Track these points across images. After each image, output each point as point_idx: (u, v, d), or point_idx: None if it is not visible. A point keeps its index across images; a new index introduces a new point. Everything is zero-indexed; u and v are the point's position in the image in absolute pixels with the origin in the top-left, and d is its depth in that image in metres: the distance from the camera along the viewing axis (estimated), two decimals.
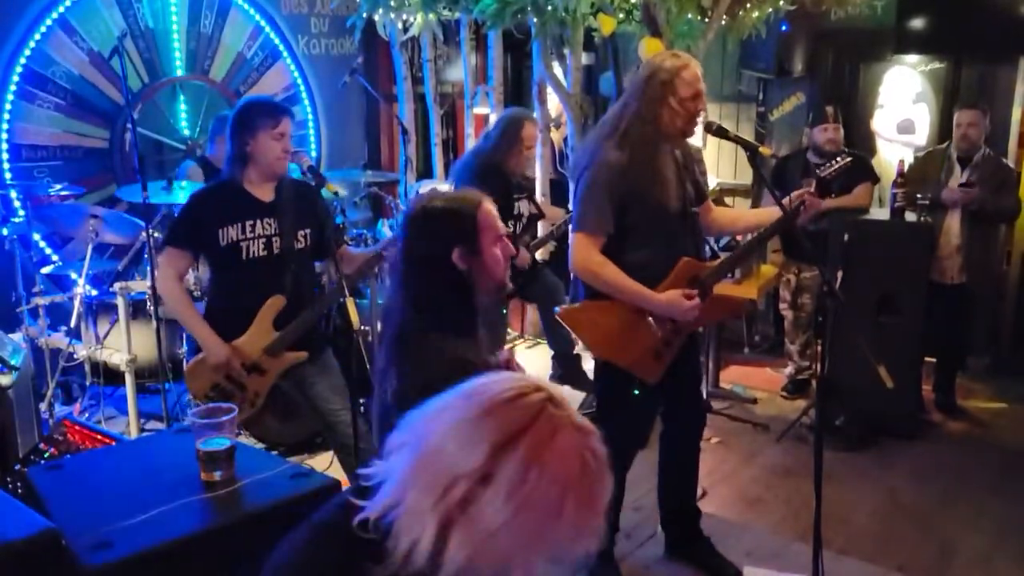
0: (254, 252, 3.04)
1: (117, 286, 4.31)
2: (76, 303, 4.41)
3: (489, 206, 1.97)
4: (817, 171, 3.13)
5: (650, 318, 2.89)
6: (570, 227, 3.06)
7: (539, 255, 4.84)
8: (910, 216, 4.45)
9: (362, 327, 3.20)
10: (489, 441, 1.06)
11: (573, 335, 5.66)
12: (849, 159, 3.10)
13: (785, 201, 2.92)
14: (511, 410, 1.09)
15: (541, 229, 5.01)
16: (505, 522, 1.04)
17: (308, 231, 3.14)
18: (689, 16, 4.98)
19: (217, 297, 3.25)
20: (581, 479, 1.07)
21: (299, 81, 6.39)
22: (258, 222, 3.04)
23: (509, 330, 5.27)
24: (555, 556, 1.08)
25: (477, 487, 1.05)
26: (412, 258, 1.93)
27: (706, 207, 3.14)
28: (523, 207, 4.59)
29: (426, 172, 6.83)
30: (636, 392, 2.95)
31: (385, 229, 5.66)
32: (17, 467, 3.02)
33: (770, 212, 3.15)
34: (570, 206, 5.35)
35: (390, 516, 1.08)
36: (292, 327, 3.06)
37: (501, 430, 1.06)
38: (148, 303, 4.31)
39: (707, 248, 3.29)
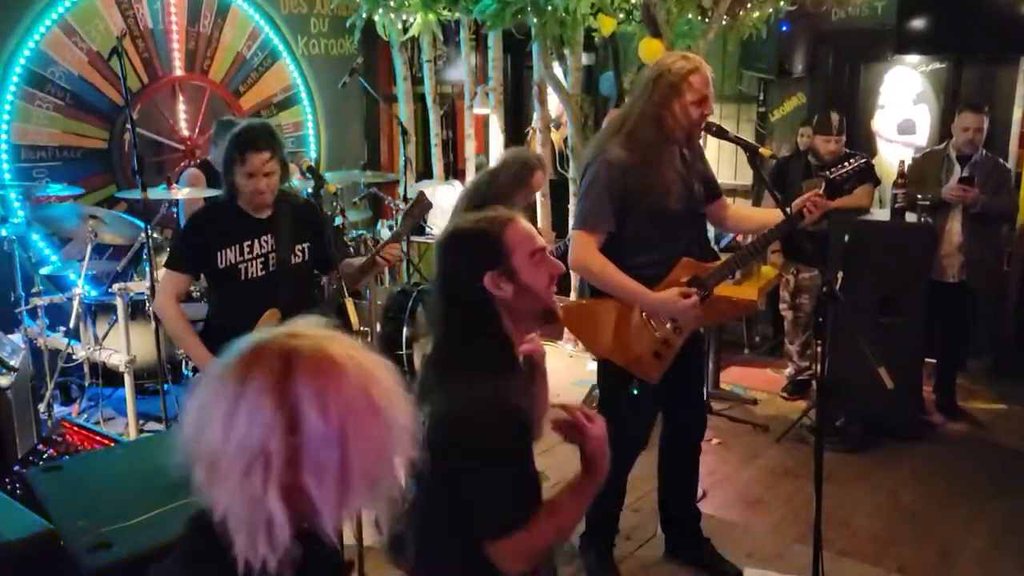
0: (252, 273, 3.04)
1: (116, 287, 4.30)
2: (75, 304, 4.40)
3: (522, 222, 1.82)
4: (828, 172, 3.12)
5: (648, 317, 2.89)
6: (571, 224, 3.06)
7: None
8: (911, 217, 4.44)
9: (361, 328, 3.18)
10: (269, 398, 1.08)
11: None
12: (863, 160, 3.09)
13: (796, 203, 2.91)
14: (262, 363, 1.11)
15: None
16: (340, 440, 1.07)
17: (307, 245, 3.13)
18: (689, 16, 4.98)
19: (215, 313, 3.24)
20: (364, 369, 1.13)
21: (299, 81, 6.38)
22: (255, 241, 3.04)
23: None
24: (400, 446, 1.15)
25: (291, 437, 1.07)
26: (444, 287, 1.80)
27: (720, 203, 3.13)
28: None
29: (426, 173, 6.82)
30: (635, 391, 2.94)
31: (384, 230, 5.66)
32: (16, 468, 3.02)
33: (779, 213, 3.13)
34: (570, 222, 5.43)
35: (231, 529, 1.10)
36: None
37: (271, 383, 1.09)
38: (147, 304, 4.30)
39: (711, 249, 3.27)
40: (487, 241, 1.77)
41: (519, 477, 1.71)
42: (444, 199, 5.87)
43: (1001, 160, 4.70)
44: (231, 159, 2.97)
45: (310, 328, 1.18)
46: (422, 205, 3.23)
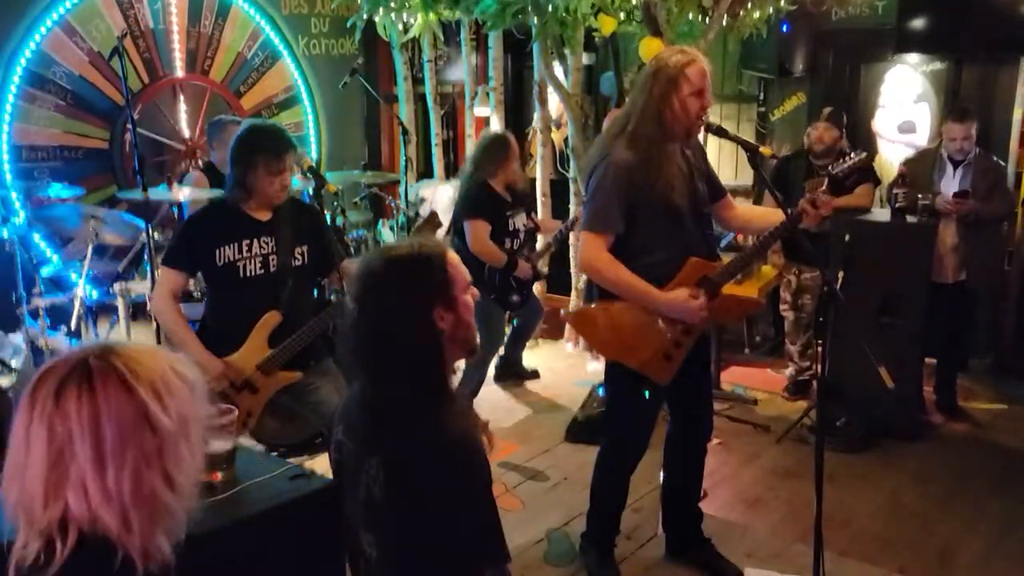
0: (251, 271, 3.04)
1: (117, 287, 4.31)
2: (76, 304, 4.41)
3: (453, 253, 1.74)
4: (831, 168, 3.11)
5: (659, 319, 2.88)
6: (580, 226, 3.06)
7: (541, 265, 4.96)
8: (911, 216, 4.44)
9: None
10: (46, 423, 1.17)
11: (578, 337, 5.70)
12: (864, 155, 3.07)
13: (804, 201, 2.89)
14: (32, 401, 1.20)
15: (539, 240, 5.07)
16: (96, 457, 1.17)
17: (306, 248, 3.13)
18: (690, 16, 4.98)
19: (213, 312, 3.23)
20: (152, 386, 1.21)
21: (299, 81, 6.39)
22: (255, 241, 3.04)
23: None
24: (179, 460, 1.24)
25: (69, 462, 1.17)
26: (380, 321, 1.63)
27: (726, 203, 3.10)
28: (518, 222, 4.62)
29: (426, 172, 6.83)
30: (647, 393, 2.94)
31: (385, 230, 5.66)
32: None
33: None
34: (572, 213, 5.44)
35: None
36: (287, 344, 3.02)
37: (43, 411, 1.18)
38: (148, 304, 4.30)
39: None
40: (433, 269, 1.66)
41: (495, 509, 1.65)
42: (445, 199, 5.88)
43: (995, 158, 4.69)
44: (254, 161, 2.95)
45: (118, 346, 1.25)
46: (434, 224, 3.21)
